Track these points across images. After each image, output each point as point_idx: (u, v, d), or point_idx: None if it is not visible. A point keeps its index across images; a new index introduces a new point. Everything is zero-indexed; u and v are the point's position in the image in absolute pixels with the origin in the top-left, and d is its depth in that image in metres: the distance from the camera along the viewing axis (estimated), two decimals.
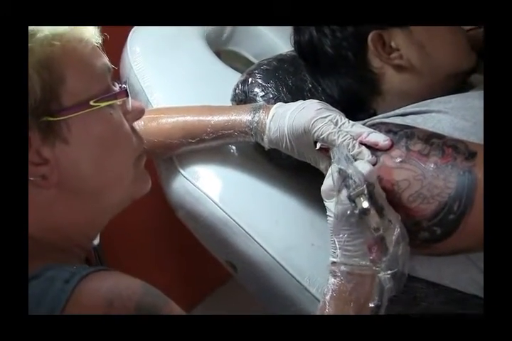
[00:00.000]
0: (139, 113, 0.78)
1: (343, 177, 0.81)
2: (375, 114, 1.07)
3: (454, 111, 0.97)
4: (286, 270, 1.01)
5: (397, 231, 0.82)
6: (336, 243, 0.83)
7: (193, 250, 1.24)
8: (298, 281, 1.01)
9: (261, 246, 1.01)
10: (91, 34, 0.71)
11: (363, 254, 0.82)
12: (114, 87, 0.74)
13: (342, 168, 0.82)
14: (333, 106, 0.96)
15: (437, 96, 1.03)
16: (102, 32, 0.74)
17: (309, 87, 1.11)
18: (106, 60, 0.74)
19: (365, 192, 0.79)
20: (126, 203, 0.80)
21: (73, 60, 0.69)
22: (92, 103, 0.69)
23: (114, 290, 0.63)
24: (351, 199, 0.80)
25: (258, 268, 1.02)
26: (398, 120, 0.98)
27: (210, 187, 1.05)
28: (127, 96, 0.75)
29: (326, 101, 1.01)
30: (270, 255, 1.01)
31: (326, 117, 0.91)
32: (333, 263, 0.84)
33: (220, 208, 1.03)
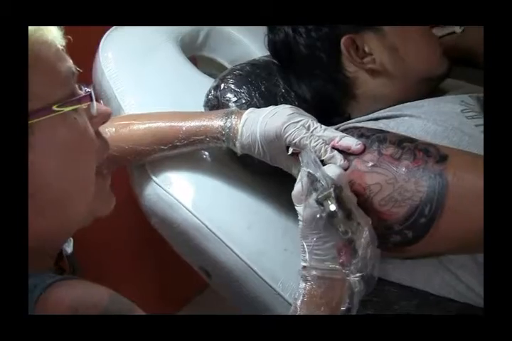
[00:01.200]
0: (105, 117, 0.76)
1: (312, 180, 0.81)
2: (349, 118, 1.07)
3: (426, 115, 0.97)
4: (258, 275, 1.00)
5: (366, 234, 0.81)
6: (305, 247, 0.82)
7: (171, 258, 1.22)
8: (271, 286, 1.00)
9: (233, 251, 1.00)
10: (54, 36, 0.68)
11: (332, 258, 0.81)
12: (79, 91, 0.72)
13: (310, 171, 0.81)
14: (306, 111, 0.95)
15: (410, 101, 1.03)
16: (66, 34, 0.70)
17: (282, 91, 1.10)
18: (70, 63, 0.71)
19: (333, 195, 0.79)
20: (89, 219, 0.77)
21: (37, 63, 0.66)
22: (55, 108, 0.66)
23: (80, 298, 0.61)
24: (319, 202, 0.79)
25: (231, 273, 1.01)
26: (371, 124, 0.98)
27: (182, 193, 1.04)
28: (92, 100, 0.72)
29: (299, 105, 1.01)
30: (243, 260, 1.00)
31: (298, 122, 0.90)
32: (304, 267, 0.83)
33: (193, 214, 1.01)
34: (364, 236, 0.81)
